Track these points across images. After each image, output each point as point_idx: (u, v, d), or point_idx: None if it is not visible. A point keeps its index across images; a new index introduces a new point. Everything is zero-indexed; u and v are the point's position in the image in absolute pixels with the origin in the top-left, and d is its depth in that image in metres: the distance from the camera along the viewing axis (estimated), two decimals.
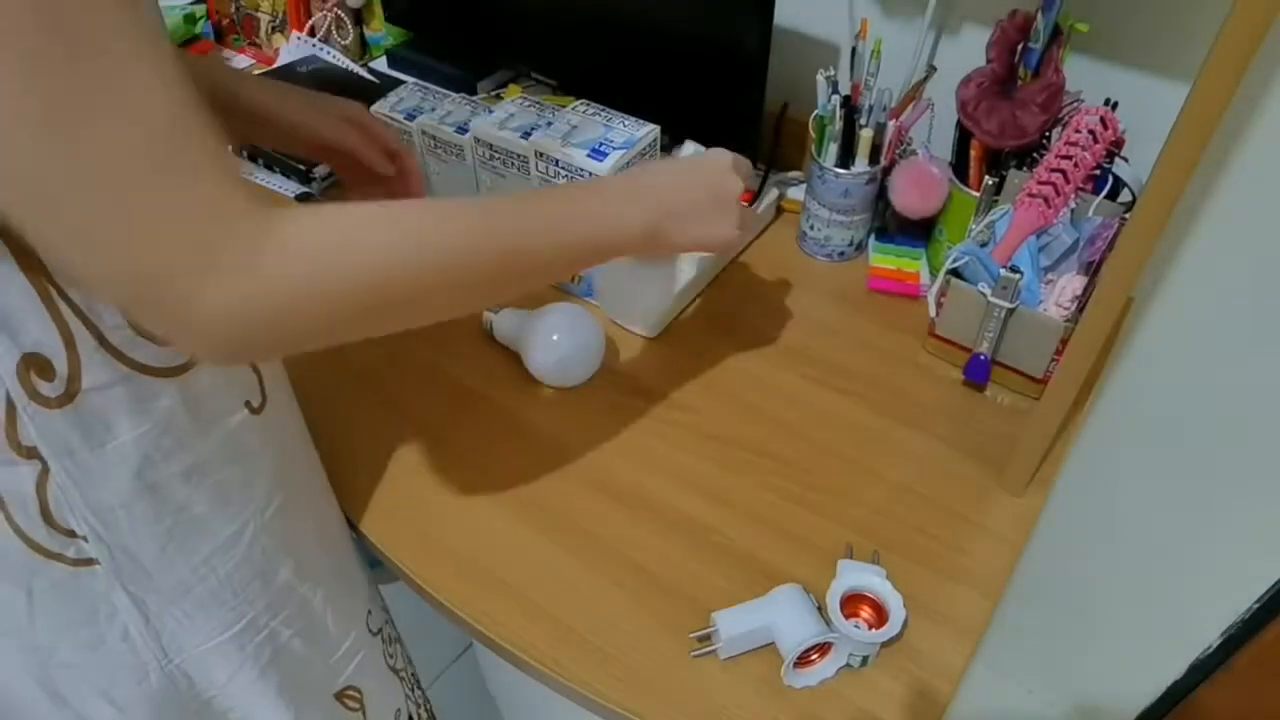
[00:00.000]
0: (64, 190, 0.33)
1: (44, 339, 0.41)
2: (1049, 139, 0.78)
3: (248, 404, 0.53)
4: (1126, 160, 0.76)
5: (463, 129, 0.86)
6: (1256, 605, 1.03)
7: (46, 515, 0.46)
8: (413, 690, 0.81)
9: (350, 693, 0.68)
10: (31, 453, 0.44)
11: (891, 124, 0.85)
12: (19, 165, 0.32)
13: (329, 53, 1.20)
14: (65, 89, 0.31)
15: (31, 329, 0.41)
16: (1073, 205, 0.76)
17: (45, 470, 0.44)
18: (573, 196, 0.58)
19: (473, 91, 1.12)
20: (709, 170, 0.62)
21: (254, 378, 0.54)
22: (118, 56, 0.32)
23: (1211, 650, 1.12)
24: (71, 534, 0.47)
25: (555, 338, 0.77)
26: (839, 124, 0.85)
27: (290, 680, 0.61)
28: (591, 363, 0.80)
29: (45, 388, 0.42)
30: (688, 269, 0.83)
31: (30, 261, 0.39)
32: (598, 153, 0.77)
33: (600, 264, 0.68)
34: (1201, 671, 1.15)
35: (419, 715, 0.83)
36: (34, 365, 0.41)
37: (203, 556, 0.52)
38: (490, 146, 0.84)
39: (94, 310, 0.42)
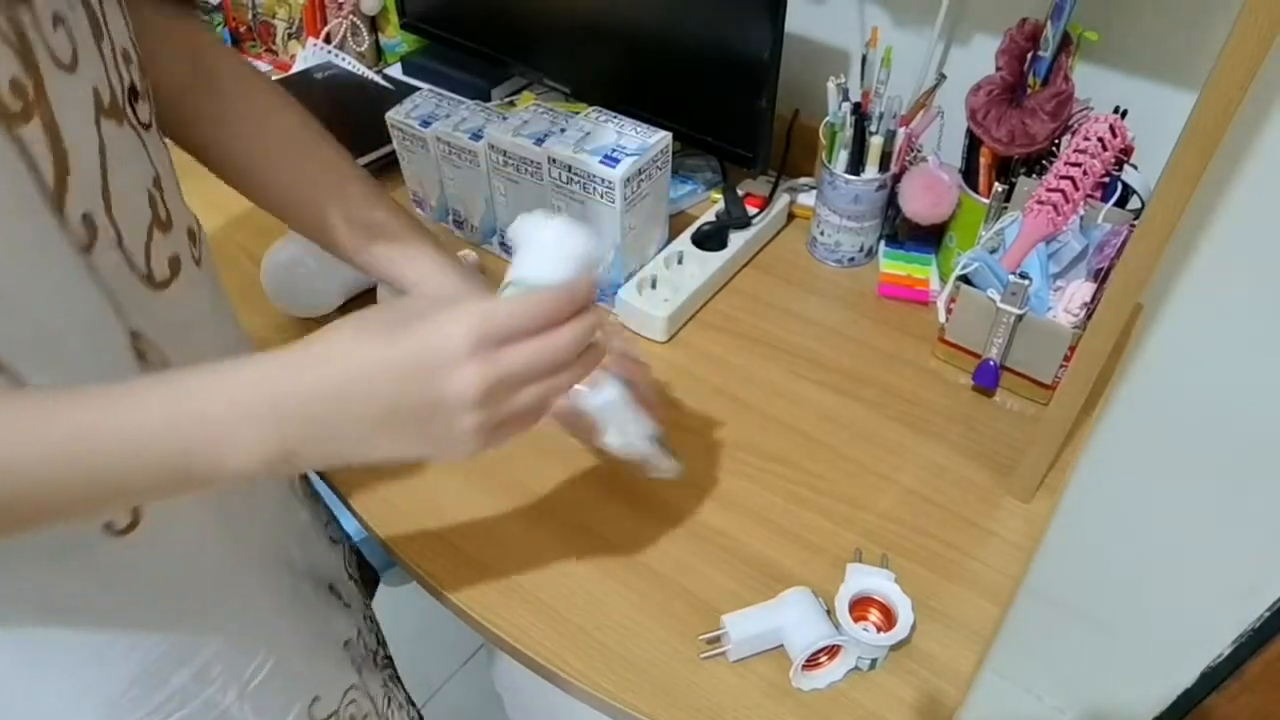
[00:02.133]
0: None
1: None
2: (1058, 146, 0.78)
3: (106, 527, 0.44)
4: (1136, 168, 0.76)
5: (477, 135, 0.87)
6: (1268, 613, 1.03)
7: None
8: None
9: None
10: None
11: (902, 131, 0.86)
12: None
13: (344, 59, 1.22)
14: None
15: None
16: (1082, 212, 0.76)
17: None
18: (162, 401, 0.37)
19: (487, 98, 1.13)
20: (419, 365, 0.39)
21: None
22: None
23: (1223, 658, 1.12)
24: None
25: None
26: (850, 131, 0.86)
27: None
28: None
29: None
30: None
31: None
32: (610, 159, 0.78)
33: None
34: (1213, 679, 1.15)
35: None
36: None
37: (57, 665, 0.46)
38: (504, 153, 0.85)
39: None
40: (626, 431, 0.64)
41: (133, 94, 0.44)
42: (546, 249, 0.47)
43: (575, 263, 0.47)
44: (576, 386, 0.64)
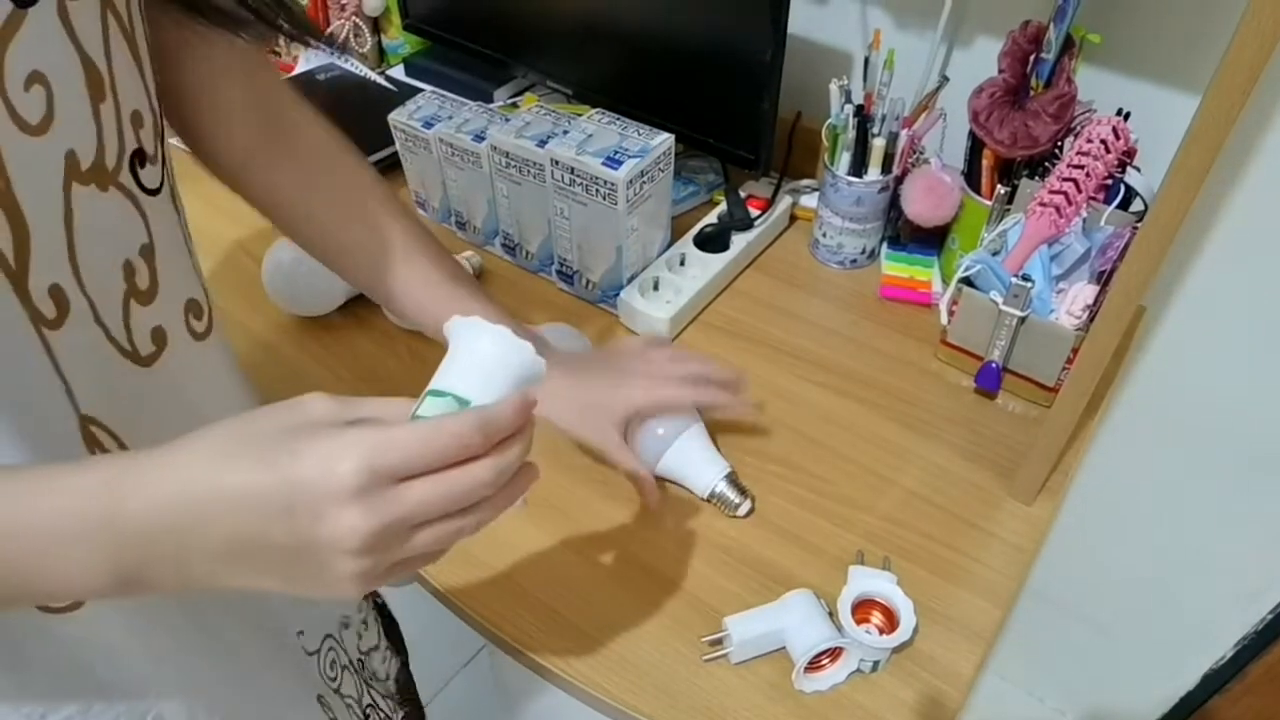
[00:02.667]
0: None
1: None
2: (1061, 149, 0.78)
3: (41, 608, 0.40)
4: (1138, 170, 0.76)
5: (479, 137, 0.87)
6: (1270, 616, 1.03)
7: None
8: None
9: None
10: None
11: (904, 133, 0.86)
12: None
13: (347, 61, 1.22)
14: None
15: None
16: (1084, 215, 0.76)
17: None
18: (4, 500, 0.33)
19: (489, 100, 1.13)
20: (293, 502, 0.34)
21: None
22: None
23: (1225, 661, 1.11)
24: None
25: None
26: (852, 133, 0.86)
27: None
28: None
29: None
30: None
31: None
32: (613, 161, 0.78)
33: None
34: (1214, 682, 1.15)
35: None
36: None
37: None
38: (507, 155, 0.85)
39: None
40: (704, 476, 0.69)
41: (138, 158, 0.42)
42: (482, 361, 0.41)
43: (512, 382, 0.41)
44: (658, 430, 0.68)
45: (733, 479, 0.70)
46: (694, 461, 0.70)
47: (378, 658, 0.72)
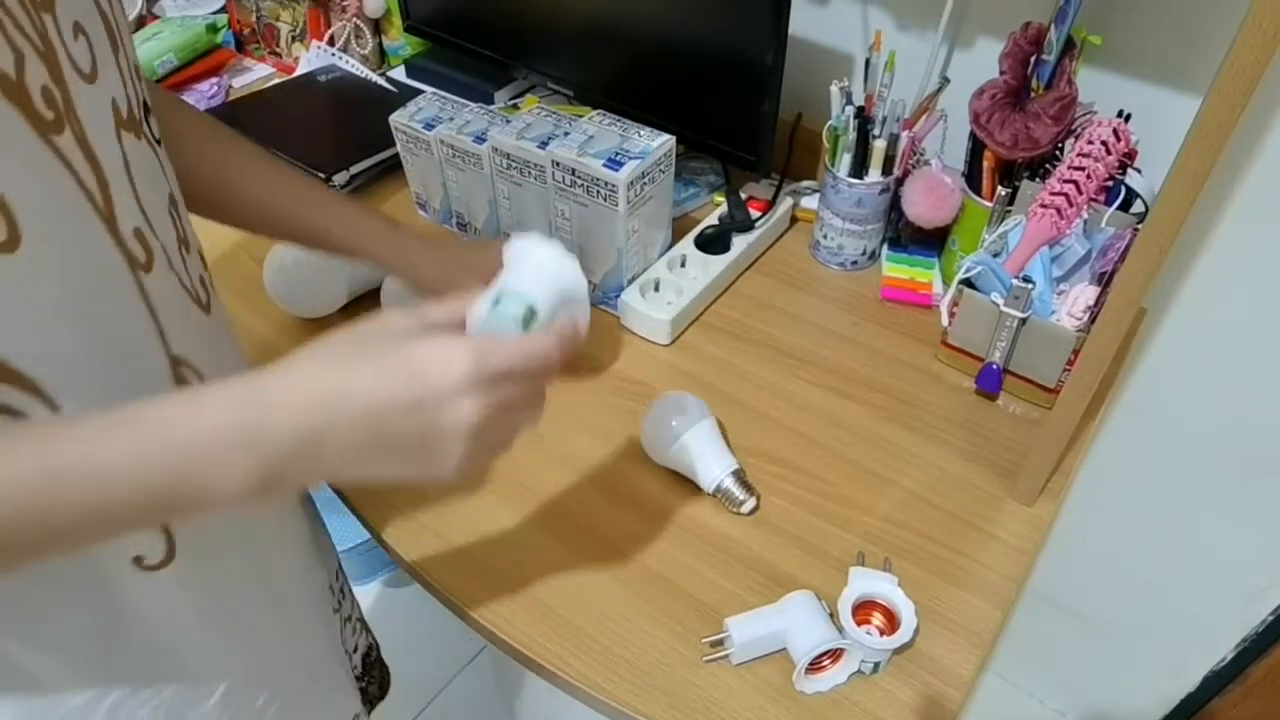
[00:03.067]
0: None
1: None
2: (1062, 150, 0.79)
3: (137, 560, 0.43)
4: (1139, 171, 0.76)
5: (480, 139, 0.87)
6: (1271, 617, 1.03)
7: None
8: None
9: None
10: None
11: (905, 134, 0.86)
12: None
13: (348, 62, 1.22)
14: None
15: None
16: (1085, 216, 0.76)
17: None
18: (155, 426, 0.35)
19: (490, 101, 1.13)
20: (420, 399, 0.39)
21: (155, 533, 0.44)
22: None
23: (1225, 663, 1.11)
24: None
25: None
26: (853, 134, 0.86)
27: None
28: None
29: None
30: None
31: None
32: (614, 163, 0.78)
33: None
34: (1215, 684, 1.15)
35: None
36: None
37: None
38: (508, 156, 0.85)
39: None
40: (711, 470, 0.70)
41: (146, 109, 0.43)
42: (542, 271, 0.48)
43: (564, 292, 0.48)
44: (671, 422, 0.70)
45: (740, 475, 0.71)
46: (703, 455, 0.71)
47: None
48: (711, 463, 0.71)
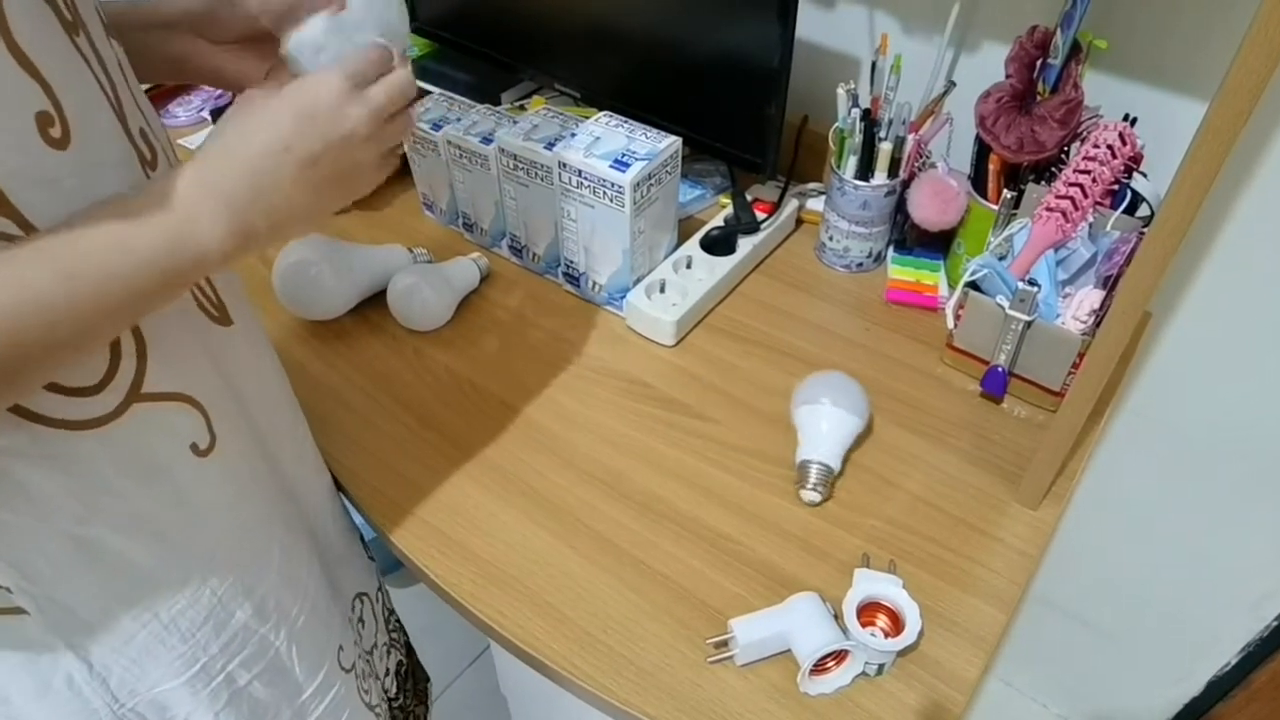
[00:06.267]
0: None
1: None
2: (1067, 154, 0.79)
3: (192, 446, 0.49)
4: (1145, 175, 0.76)
5: (487, 139, 0.87)
6: (1276, 623, 1.03)
7: None
8: None
9: None
10: None
11: (911, 137, 0.86)
12: None
13: None
14: None
15: None
16: (1091, 220, 0.76)
17: None
18: (140, 208, 0.40)
19: (497, 102, 1.14)
20: (312, 112, 0.44)
21: (200, 420, 0.49)
22: None
23: (1229, 668, 1.11)
24: None
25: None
26: (859, 137, 0.86)
27: None
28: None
29: None
30: None
31: None
32: (620, 164, 0.78)
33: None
34: (1219, 689, 1.14)
35: None
36: None
37: (145, 605, 0.49)
38: (514, 157, 0.85)
39: None
40: (818, 447, 0.72)
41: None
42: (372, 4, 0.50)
43: (389, 24, 0.51)
44: (823, 398, 0.73)
45: (828, 473, 0.71)
46: (821, 432, 0.72)
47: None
48: (820, 442, 0.72)
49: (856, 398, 0.74)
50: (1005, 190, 0.80)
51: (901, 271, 0.93)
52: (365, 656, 0.74)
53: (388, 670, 0.80)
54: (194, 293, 0.50)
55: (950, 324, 0.81)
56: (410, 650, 0.87)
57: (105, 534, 0.46)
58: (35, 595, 0.45)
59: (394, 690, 0.81)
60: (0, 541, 0.43)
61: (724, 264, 0.90)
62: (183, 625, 0.51)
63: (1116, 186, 0.75)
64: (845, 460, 0.73)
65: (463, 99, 0.97)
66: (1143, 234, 0.73)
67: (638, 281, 0.87)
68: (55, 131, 0.37)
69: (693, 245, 0.92)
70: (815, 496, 0.70)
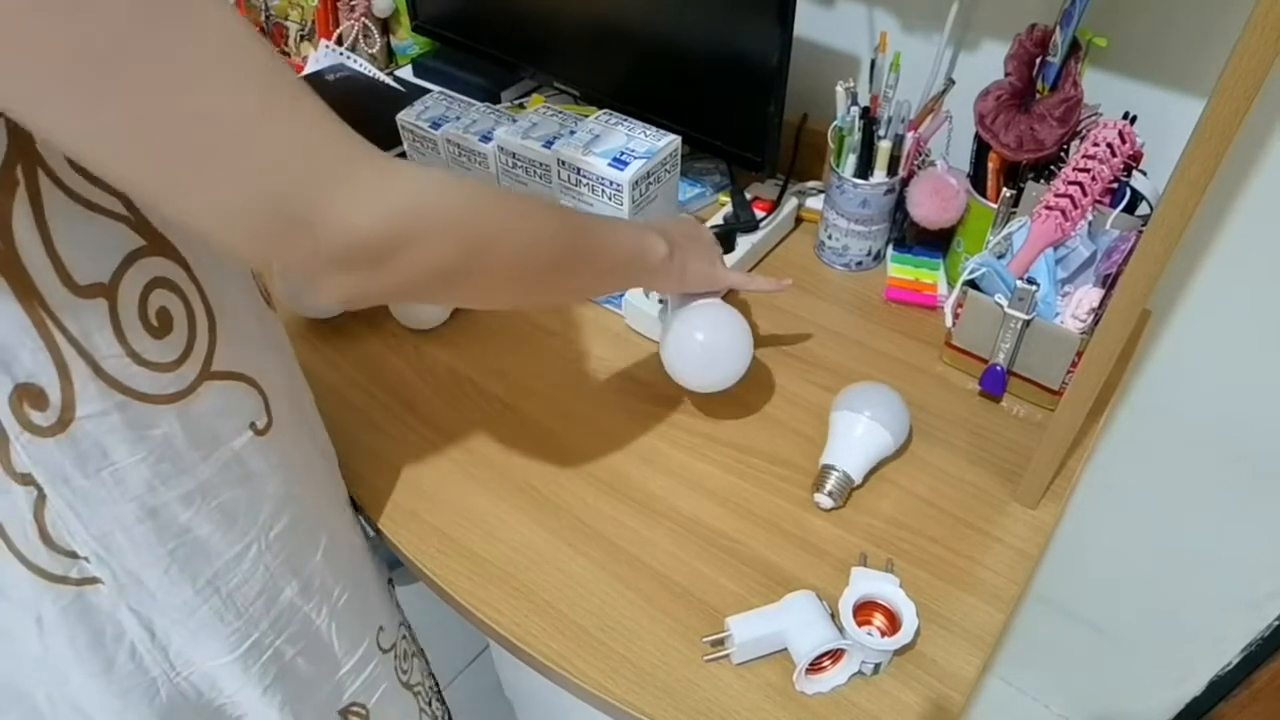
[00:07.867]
0: (190, 121, 0.33)
1: (37, 370, 0.41)
2: (1067, 152, 0.78)
3: (252, 425, 0.53)
4: (1144, 174, 0.76)
5: (487, 137, 0.87)
6: (1277, 623, 1.02)
7: (46, 538, 0.45)
8: (429, 704, 0.81)
9: (355, 709, 0.68)
10: (26, 479, 0.43)
11: (910, 136, 0.86)
12: (140, 109, 0.33)
13: (356, 61, 1.22)
14: (167, 38, 0.32)
15: (25, 360, 0.40)
16: (1090, 218, 0.76)
17: (41, 496, 0.44)
18: (606, 219, 0.62)
19: (497, 101, 1.14)
20: (689, 221, 0.77)
21: (259, 400, 0.53)
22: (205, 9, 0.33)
23: (1231, 667, 1.11)
24: (73, 555, 0.46)
25: (699, 336, 0.72)
26: (858, 135, 0.86)
27: (294, 696, 0.61)
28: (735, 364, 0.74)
29: (38, 417, 0.42)
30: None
31: (25, 291, 0.39)
32: (619, 162, 0.78)
33: (633, 285, 0.78)
34: (1221, 689, 1.14)
35: None
36: (27, 396, 0.41)
37: (206, 578, 0.52)
38: (514, 155, 0.85)
39: (90, 339, 0.42)
40: (844, 456, 0.72)
41: None
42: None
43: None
44: (865, 411, 0.73)
45: (849, 481, 0.70)
46: (851, 440, 0.71)
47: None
48: (847, 452, 0.71)
49: (899, 418, 0.72)
50: (1004, 188, 0.80)
51: (901, 270, 0.93)
52: (407, 636, 0.77)
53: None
54: (252, 273, 0.55)
55: (949, 322, 0.81)
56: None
57: (174, 506, 0.49)
58: (111, 565, 0.48)
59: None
60: (85, 512, 0.45)
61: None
62: (239, 600, 0.54)
63: (1116, 185, 0.75)
64: (869, 476, 0.73)
65: (462, 97, 0.97)
66: (1142, 232, 0.73)
67: None
68: None
69: None
70: (828, 502, 0.70)
